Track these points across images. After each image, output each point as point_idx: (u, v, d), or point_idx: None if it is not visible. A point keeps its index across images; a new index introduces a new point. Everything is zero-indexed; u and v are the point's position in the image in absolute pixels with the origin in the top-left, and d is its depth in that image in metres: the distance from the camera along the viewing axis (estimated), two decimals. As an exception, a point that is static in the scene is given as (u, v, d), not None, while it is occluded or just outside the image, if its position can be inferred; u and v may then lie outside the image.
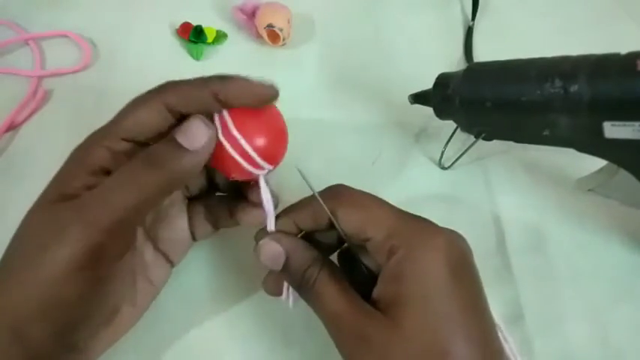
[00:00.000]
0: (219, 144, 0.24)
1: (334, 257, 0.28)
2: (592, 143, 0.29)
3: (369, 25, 0.47)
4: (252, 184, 0.27)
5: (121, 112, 0.24)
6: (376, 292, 0.24)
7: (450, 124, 0.35)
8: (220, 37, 0.45)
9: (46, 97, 0.41)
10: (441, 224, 0.25)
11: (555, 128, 0.29)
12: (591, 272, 0.34)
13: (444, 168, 0.38)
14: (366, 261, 0.26)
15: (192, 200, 0.30)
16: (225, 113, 0.24)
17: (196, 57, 0.44)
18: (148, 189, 0.22)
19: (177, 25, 0.45)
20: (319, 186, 0.27)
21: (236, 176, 0.26)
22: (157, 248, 0.29)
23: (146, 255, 0.28)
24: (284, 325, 0.31)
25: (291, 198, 0.28)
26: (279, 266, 0.26)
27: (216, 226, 0.30)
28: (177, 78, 0.25)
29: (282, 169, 0.27)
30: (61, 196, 0.22)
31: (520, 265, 0.34)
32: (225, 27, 0.46)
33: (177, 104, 0.24)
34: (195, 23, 0.45)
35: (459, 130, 0.36)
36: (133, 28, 0.46)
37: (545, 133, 0.30)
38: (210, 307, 0.32)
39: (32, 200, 0.23)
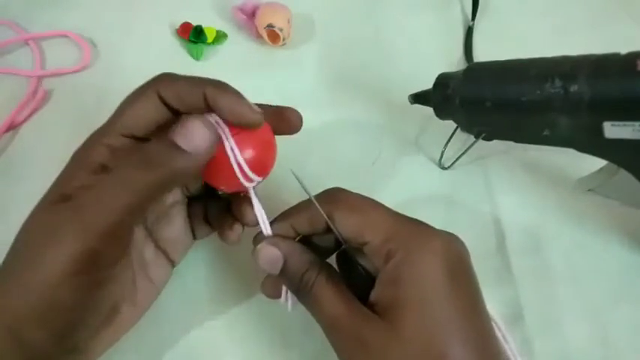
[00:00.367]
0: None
1: (333, 259, 0.28)
2: (592, 143, 0.29)
3: (369, 25, 0.47)
4: (241, 196, 0.27)
5: (118, 109, 0.24)
6: (374, 295, 0.24)
7: (450, 124, 0.35)
8: (220, 37, 0.45)
9: (46, 97, 0.41)
10: (440, 224, 0.25)
11: (555, 128, 0.29)
12: (591, 272, 0.34)
13: (443, 168, 0.38)
14: (364, 263, 0.26)
15: (192, 200, 0.30)
16: (222, 123, 0.24)
17: (196, 57, 0.44)
18: (141, 189, 0.22)
19: (177, 25, 0.45)
20: (319, 186, 0.27)
21: (225, 188, 0.26)
22: (157, 247, 0.29)
23: (146, 253, 0.28)
24: (283, 327, 0.31)
25: (290, 200, 0.28)
26: (277, 270, 0.26)
27: (215, 226, 0.30)
28: (176, 77, 0.25)
29: (282, 170, 0.27)
30: (60, 196, 0.22)
31: (520, 265, 0.34)
32: (225, 27, 0.46)
33: (169, 97, 0.23)
34: (195, 23, 0.45)
35: (459, 130, 0.36)
36: (133, 28, 0.46)
37: (545, 133, 0.30)
38: (210, 308, 0.32)
39: (32, 200, 0.23)
